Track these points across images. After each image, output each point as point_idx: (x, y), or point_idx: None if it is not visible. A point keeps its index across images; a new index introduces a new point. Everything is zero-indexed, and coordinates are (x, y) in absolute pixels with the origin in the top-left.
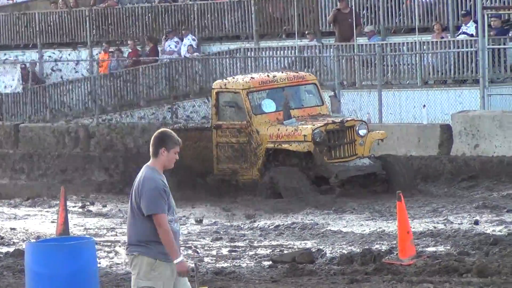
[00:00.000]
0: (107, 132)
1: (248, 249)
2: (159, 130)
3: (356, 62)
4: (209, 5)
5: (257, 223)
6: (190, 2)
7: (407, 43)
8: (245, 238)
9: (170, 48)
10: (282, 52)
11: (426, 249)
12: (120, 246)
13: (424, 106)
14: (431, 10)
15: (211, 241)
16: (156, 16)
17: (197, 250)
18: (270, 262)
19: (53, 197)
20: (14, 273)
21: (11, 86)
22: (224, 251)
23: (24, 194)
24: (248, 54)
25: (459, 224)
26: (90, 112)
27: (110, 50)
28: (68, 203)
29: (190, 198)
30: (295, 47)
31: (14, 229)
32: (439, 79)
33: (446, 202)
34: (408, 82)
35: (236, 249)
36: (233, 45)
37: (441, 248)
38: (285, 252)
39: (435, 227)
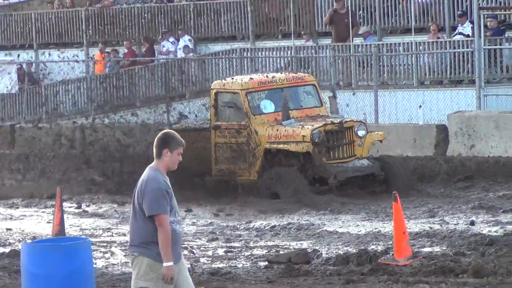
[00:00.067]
0: (103, 132)
1: (244, 249)
2: (163, 131)
3: (352, 63)
4: (205, 5)
5: (253, 224)
6: (186, 3)
7: (403, 43)
8: (241, 238)
9: (167, 48)
10: (278, 52)
11: (422, 249)
12: (116, 246)
13: (420, 106)
14: (427, 10)
15: (207, 242)
16: (152, 17)
17: (193, 250)
18: (266, 263)
19: (49, 197)
20: (10, 274)
21: (7, 87)
22: (220, 251)
23: (20, 195)
24: (244, 54)
25: (455, 224)
26: (86, 112)
27: (106, 50)
28: (64, 204)
29: (188, 198)
30: (291, 47)
31: (10, 229)
32: (435, 79)
33: (442, 203)
34: (404, 82)
35: (232, 249)
36: (229, 46)
37: (437, 249)
38: (281, 252)
39: (431, 228)
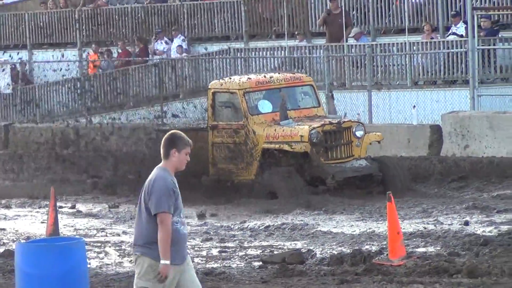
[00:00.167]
0: (97, 132)
1: (238, 249)
2: (170, 132)
3: (346, 63)
4: (198, 5)
5: (247, 224)
6: (180, 3)
7: (397, 43)
8: (235, 238)
9: (160, 48)
10: (272, 52)
11: (416, 249)
12: (110, 246)
13: (414, 106)
14: (421, 10)
15: (201, 242)
16: (146, 17)
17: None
18: (260, 263)
19: (43, 197)
20: (4, 274)
21: (1, 87)
22: (214, 251)
23: (14, 195)
24: (238, 54)
25: (449, 224)
26: (80, 112)
27: (100, 50)
28: (58, 204)
29: (185, 198)
30: (285, 47)
31: (4, 229)
32: (429, 79)
33: (436, 203)
34: (398, 82)
35: (226, 249)
36: (223, 46)
37: (431, 249)
38: (275, 252)
39: (425, 228)
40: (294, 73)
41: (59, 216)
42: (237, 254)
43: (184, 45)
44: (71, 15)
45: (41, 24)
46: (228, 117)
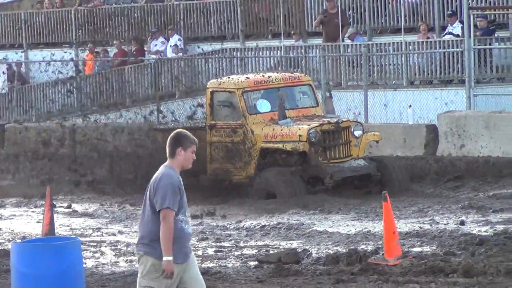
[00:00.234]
0: (93, 132)
1: (234, 249)
2: (175, 131)
3: (342, 63)
4: (194, 5)
5: (243, 223)
6: (176, 2)
7: (393, 43)
8: (231, 238)
9: (157, 47)
10: (268, 52)
11: (412, 249)
12: (105, 246)
13: (410, 106)
14: (417, 10)
15: (197, 241)
16: (142, 16)
17: None
18: (256, 262)
19: (39, 197)
20: (0, 274)
21: None
22: (210, 251)
23: (10, 194)
24: (234, 54)
25: (445, 224)
26: (76, 112)
27: (96, 50)
28: (54, 203)
29: None
30: (281, 47)
31: None
32: (425, 79)
33: (432, 203)
34: (394, 82)
35: (222, 249)
36: (219, 45)
37: (427, 249)
38: (271, 252)
39: (421, 228)
40: (292, 73)
41: (55, 215)
42: (233, 253)
43: (180, 45)
44: (67, 15)
45: (37, 23)
46: (227, 117)
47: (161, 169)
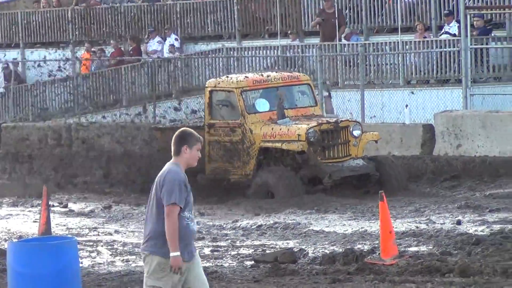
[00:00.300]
0: (89, 131)
1: (230, 248)
2: (180, 129)
3: (338, 62)
4: (191, 4)
5: (239, 223)
6: (173, 2)
7: (390, 42)
8: (227, 238)
9: (153, 47)
10: (264, 52)
11: (408, 249)
12: (102, 246)
13: (407, 106)
14: (413, 9)
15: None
16: (139, 16)
17: None
18: (252, 262)
19: (35, 196)
20: None
21: None
22: (207, 250)
23: (6, 194)
24: (231, 53)
25: (441, 224)
26: (73, 111)
27: (92, 49)
28: (50, 203)
29: None
30: (277, 46)
31: None
32: (421, 79)
33: (429, 202)
34: (390, 82)
35: (219, 248)
36: (215, 45)
37: (423, 248)
38: (267, 252)
39: (417, 227)
40: (291, 72)
41: (51, 215)
42: (229, 253)
43: (177, 44)
44: (64, 14)
45: (34, 23)
46: (225, 116)
47: (167, 166)
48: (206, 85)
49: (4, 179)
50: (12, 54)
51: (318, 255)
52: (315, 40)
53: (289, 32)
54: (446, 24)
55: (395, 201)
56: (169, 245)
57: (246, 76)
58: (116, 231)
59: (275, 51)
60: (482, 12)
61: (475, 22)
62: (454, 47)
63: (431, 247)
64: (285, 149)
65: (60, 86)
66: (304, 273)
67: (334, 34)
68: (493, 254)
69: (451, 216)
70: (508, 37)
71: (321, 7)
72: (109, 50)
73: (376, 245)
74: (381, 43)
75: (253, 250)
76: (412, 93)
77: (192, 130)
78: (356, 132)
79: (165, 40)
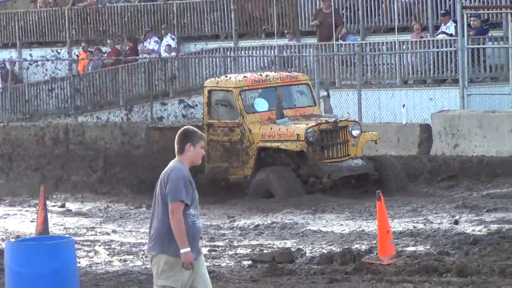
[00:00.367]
0: (86, 131)
1: (227, 248)
2: (183, 128)
3: (335, 62)
4: (188, 4)
5: (236, 223)
6: (170, 1)
7: (387, 42)
8: (224, 237)
9: (150, 47)
10: (261, 51)
11: (405, 248)
12: (99, 245)
13: (404, 105)
14: (410, 9)
15: None
16: (135, 15)
17: None
18: (250, 262)
19: (32, 196)
20: None
21: None
22: (204, 250)
23: (4, 194)
24: (227, 53)
25: (438, 223)
26: (69, 111)
27: (89, 49)
28: (48, 203)
29: None
30: (274, 46)
31: None
32: (418, 78)
33: (426, 202)
34: (387, 81)
35: (216, 248)
36: (212, 45)
37: (420, 248)
38: (265, 251)
39: (415, 227)
40: (290, 72)
41: (49, 215)
42: (226, 253)
43: (174, 44)
44: (61, 14)
45: (31, 22)
46: (224, 115)
47: (171, 164)
48: (205, 85)
49: (2, 179)
50: (9, 54)
51: (316, 255)
52: (312, 40)
53: (286, 32)
54: (443, 24)
55: (393, 201)
56: (178, 242)
57: (245, 76)
58: (114, 231)
59: (272, 51)
60: (479, 12)
61: (472, 22)
62: (451, 47)
63: (428, 247)
64: (284, 149)
65: (57, 86)
66: (302, 273)
67: (331, 34)
68: (491, 254)
69: (448, 216)
70: (505, 37)
71: (318, 8)
72: (106, 50)
73: (374, 245)
74: (378, 43)
75: (250, 250)
76: (409, 93)
77: (195, 128)
78: (355, 132)
79: (161, 40)
